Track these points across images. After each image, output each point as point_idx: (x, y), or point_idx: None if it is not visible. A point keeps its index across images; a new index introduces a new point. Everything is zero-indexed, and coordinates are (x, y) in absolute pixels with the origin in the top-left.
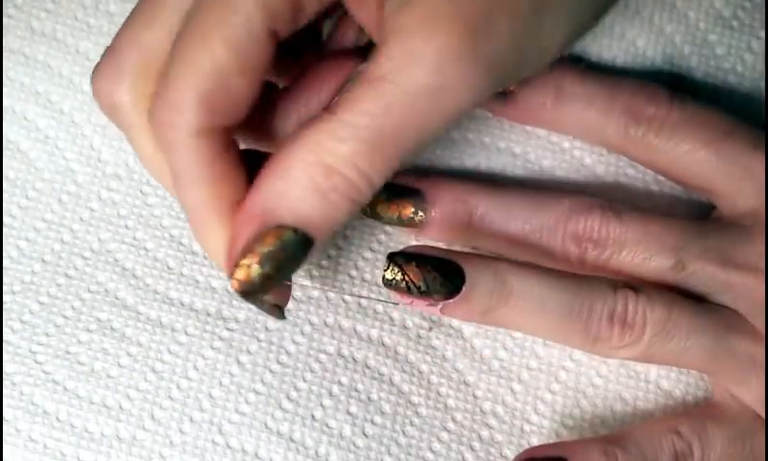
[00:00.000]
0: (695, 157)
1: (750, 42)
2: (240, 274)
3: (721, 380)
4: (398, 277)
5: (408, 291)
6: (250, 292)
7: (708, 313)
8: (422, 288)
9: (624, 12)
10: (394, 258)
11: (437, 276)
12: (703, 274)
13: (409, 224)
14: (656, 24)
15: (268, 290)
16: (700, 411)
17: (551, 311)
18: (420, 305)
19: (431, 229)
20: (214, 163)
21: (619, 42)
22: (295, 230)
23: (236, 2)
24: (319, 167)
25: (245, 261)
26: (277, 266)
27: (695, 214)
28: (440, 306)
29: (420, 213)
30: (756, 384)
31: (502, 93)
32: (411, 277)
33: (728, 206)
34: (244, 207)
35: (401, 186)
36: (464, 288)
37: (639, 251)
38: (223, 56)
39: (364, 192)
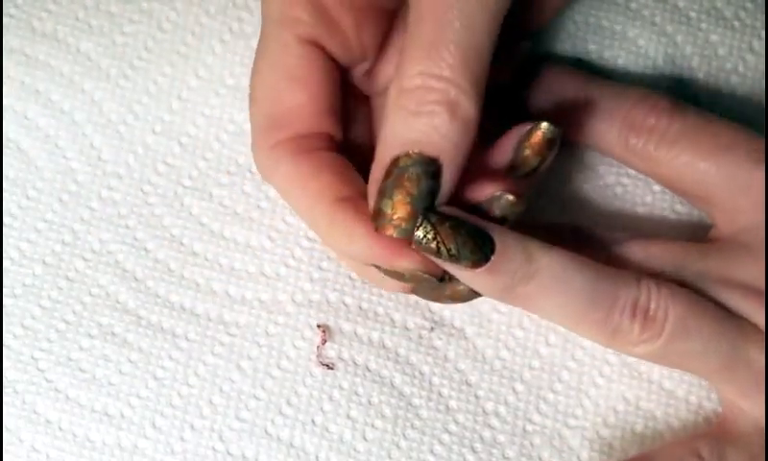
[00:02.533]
0: (694, 170)
1: (751, 43)
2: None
3: (732, 391)
4: (430, 235)
5: (437, 252)
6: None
7: (728, 318)
8: (452, 252)
9: (626, 13)
10: (427, 216)
11: (468, 241)
12: (706, 295)
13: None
14: (657, 24)
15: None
16: (716, 432)
17: (574, 295)
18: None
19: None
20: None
21: (621, 42)
22: (408, 155)
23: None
24: (398, 93)
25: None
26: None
27: (692, 226)
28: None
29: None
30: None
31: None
32: (443, 237)
33: (726, 221)
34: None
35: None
36: (492, 258)
37: (642, 269)
38: (269, 77)
39: (452, 89)
